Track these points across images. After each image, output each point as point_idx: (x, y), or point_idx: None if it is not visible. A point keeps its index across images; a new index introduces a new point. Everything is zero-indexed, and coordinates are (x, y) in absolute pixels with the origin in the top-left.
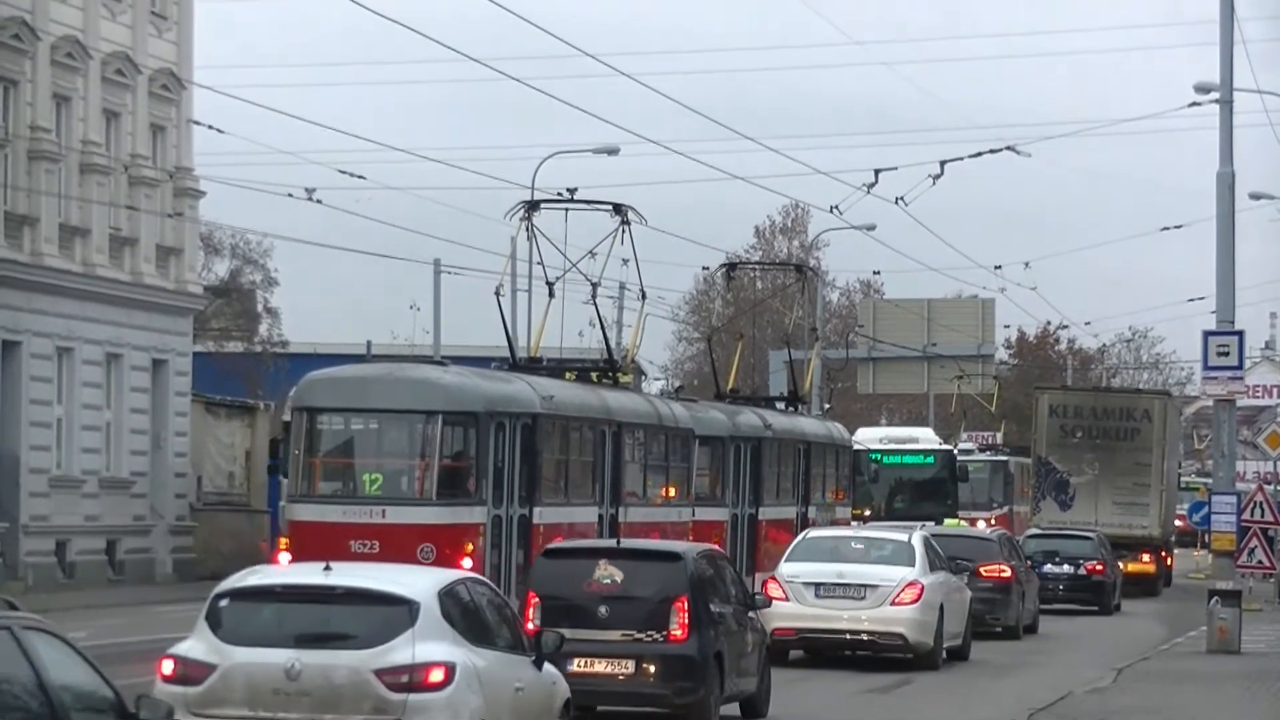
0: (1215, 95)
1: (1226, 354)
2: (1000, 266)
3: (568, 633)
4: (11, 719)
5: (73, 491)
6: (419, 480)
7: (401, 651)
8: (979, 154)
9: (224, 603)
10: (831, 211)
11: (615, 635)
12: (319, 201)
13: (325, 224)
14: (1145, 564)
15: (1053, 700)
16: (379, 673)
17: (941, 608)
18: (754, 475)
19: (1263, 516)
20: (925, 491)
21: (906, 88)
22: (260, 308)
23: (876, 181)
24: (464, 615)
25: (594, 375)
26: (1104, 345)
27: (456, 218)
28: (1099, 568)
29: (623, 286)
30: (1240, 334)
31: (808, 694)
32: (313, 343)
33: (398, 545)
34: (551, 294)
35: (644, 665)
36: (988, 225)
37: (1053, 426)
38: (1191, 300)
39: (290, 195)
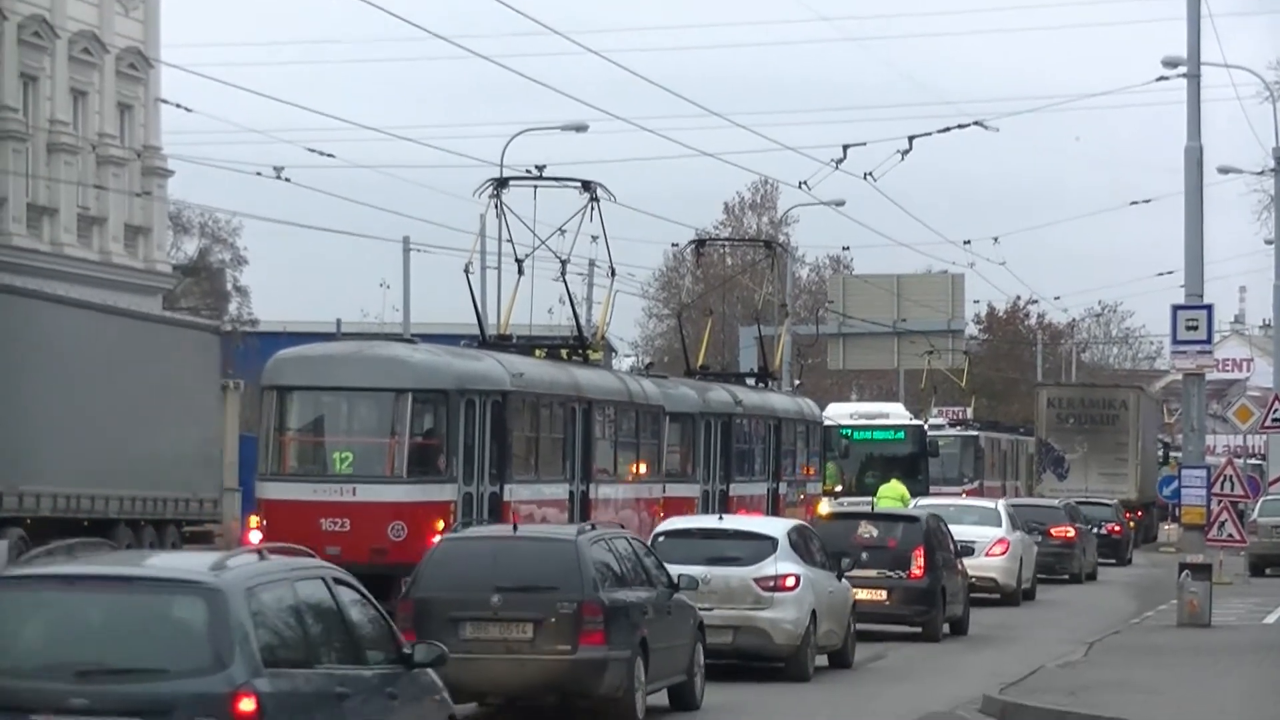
0: (1183, 69)
1: (1195, 328)
2: (969, 241)
3: None
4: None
5: None
6: (389, 458)
7: (769, 567)
8: (947, 129)
9: (661, 539)
10: (800, 187)
11: (873, 573)
12: (288, 180)
13: (294, 202)
14: (1128, 523)
15: (1024, 674)
16: (756, 580)
17: (1021, 559)
18: (724, 452)
19: (1233, 490)
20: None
21: (875, 64)
22: (229, 286)
23: (845, 157)
24: (802, 545)
25: (564, 352)
26: (1073, 320)
27: (426, 195)
28: (1117, 529)
29: (592, 263)
30: (1209, 308)
31: None
32: (282, 321)
33: (369, 523)
34: (521, 271)
35: (893, 594)
36: (957, 201)
37: (1050, 415)
38: (1160, 274)
39: (259, 174)
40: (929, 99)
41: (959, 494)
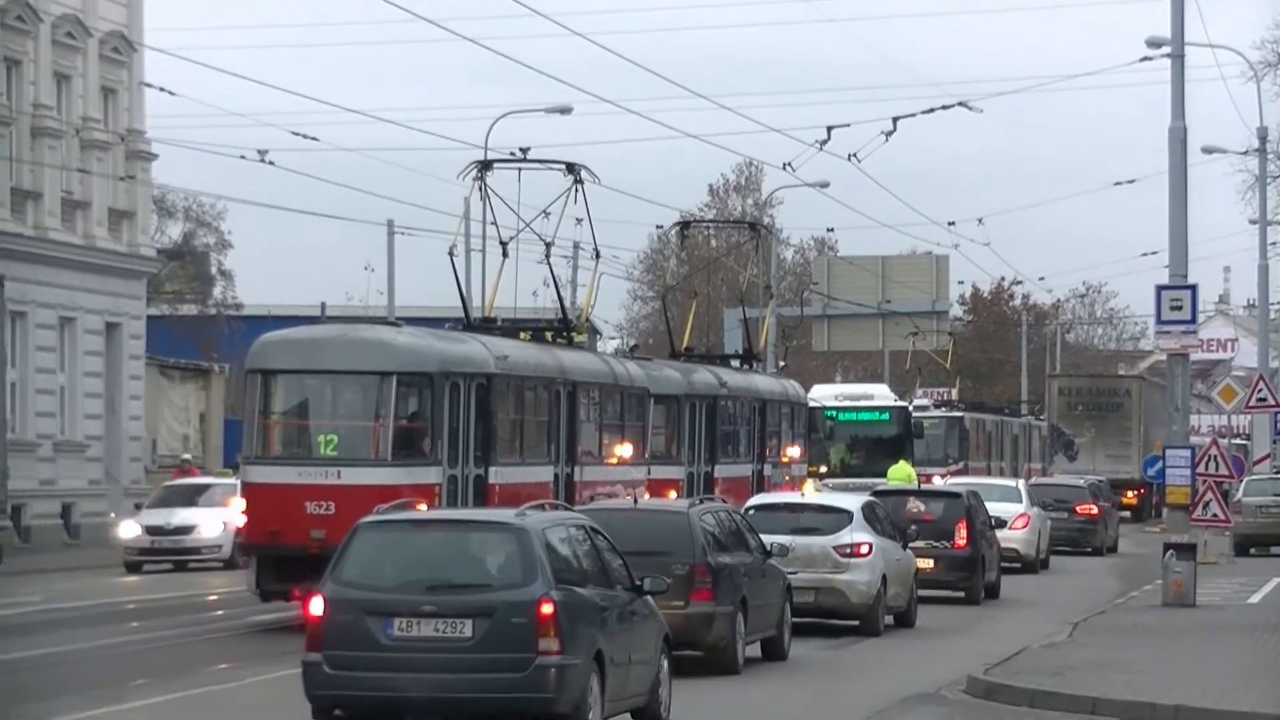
0: (1167, 49)
1: (1180, 308)
2: (954, 223)
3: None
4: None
5: (27, 455)
6: (374, 441)
7: (845, 536)
8: (931, 110)
9: (752, 512)
10: (785, 169)
11: (922, 544)
12: (271, 163)
13: (278, 186)
14: (1130, 499)
15: (1009, 655)
16: (835, 548)
17: (1039, 532)
18: (709, 434)
19: (1217, 470)
20: (881, 448)
21: (860, 45)
22: (214, 270)
23: (829, 138)
24: (873, 517)
25: (548, 335)
26: (1058, 300)
27: (410, 178)
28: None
29: (577, 246)
30: (1193, 288)
31: None
32: (267, 305)
33: (353, 506)
34: (505, 254)
35: (939, 563)
36: (941, 182)
37: (1061, 403)
38: (1144, 255)
39: (243, 157)
40: (913, 80)
41: (943, 475)
